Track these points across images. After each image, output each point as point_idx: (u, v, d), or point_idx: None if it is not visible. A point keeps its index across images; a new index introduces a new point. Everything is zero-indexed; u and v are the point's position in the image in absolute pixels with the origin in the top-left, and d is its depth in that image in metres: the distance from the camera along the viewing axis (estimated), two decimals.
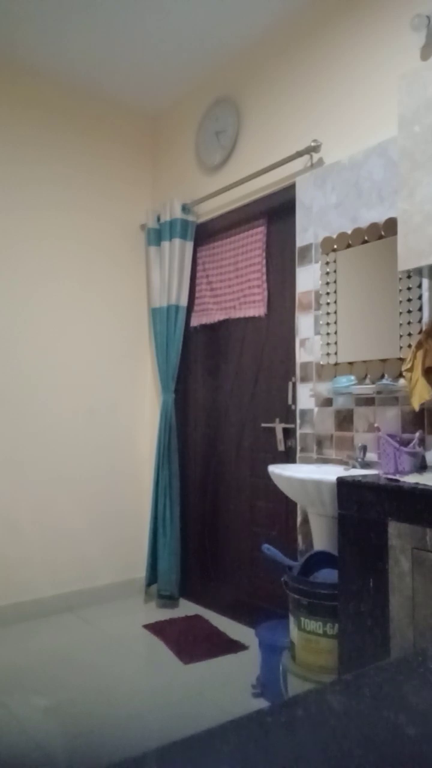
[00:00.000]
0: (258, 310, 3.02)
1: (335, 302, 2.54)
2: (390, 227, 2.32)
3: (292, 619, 2.08)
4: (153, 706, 2.21)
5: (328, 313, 2.56)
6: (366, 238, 2.42)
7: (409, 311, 2.23)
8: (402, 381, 2.22)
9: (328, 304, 2.57)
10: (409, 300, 2.23)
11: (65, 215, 3.38)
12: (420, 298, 2.20)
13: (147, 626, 2.98)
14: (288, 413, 2.86)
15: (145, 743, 1.95)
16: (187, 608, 3.29)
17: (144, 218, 3.71)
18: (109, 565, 3.46)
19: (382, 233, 2.36)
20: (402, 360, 2.23)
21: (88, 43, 3.06)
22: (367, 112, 2.49)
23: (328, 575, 2.08)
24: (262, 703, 2.23)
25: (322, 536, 2.22)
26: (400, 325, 2.27)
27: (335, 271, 2.54)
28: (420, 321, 2.19)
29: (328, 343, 2.56)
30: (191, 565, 3.43)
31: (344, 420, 2.49)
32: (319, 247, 2.64)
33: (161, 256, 3.48)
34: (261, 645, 2.30)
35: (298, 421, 2.71)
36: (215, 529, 3.30)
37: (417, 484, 1.65)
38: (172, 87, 3.47)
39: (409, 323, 2.23)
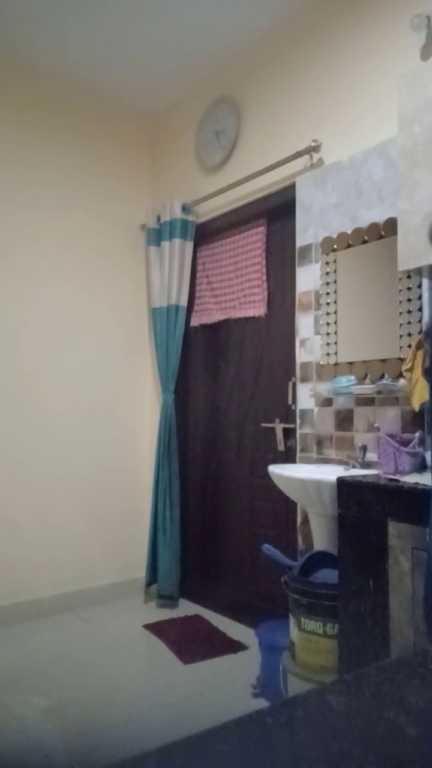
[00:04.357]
0: (258, 310, 3.02)
1: (335, 302, 2.54)
2: (390, 227, 2.32)
3: (292, 619, 2.08)
4: (153, 706, 2.21)
5: (328, 313, 2.56)
6: (366, 238, 2.42)
7: (409, 311, 2.23)
8: (402, 381, 2.22)
9: (328, 304, 2.57)
10: (409, 300, 2.23)
11: (65, 215, 3.38)
12: (420, 298, 2.20)
13: (147, 626, 2.98)
14: (288, 413, 2.86)
15: (145, 743, 1.95)
16: (187, 608, 3.29)
17: (144, 218, 3.71)
18: (109, 565, 3.46)
19: (382, 233, 2.36)
20: (402, 360, 2.23)
21: (88, 43, 3.06)
22: (367, 112, 2.49)
23: (328, 575, 2.08)
24: (262, 703, 2.23)
25: (322, 536, 2.22)
26: (400, 325, 2.27)
27: (335, 271, 2.54)
28: (420, 321, 2.19)
29: (328, 343, 2.56)
30: (191, 565, 3.43)
31: (344, 420, 2.49)
32: (319, 247, 2.64)
33: (161, 256, 3.48)
34: (261, 645, 2.30)
35: (298, 421, 2.71)
36: (215, 529, 3.30)
37: (417, 484, 1.65)
38: (172, 87, 3.47)
39: (409, 323, 2.23)
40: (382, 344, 2.34)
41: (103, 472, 3.47)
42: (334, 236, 2.56)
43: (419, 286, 2.20)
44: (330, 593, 1.94)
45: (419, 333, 2.19)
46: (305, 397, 2.68)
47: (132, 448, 3.61)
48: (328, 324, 2.56)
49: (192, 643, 2.76)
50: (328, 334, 2.56)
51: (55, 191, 3.35)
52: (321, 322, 2.60)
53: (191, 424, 3.53)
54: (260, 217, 3.05)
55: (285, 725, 0.42)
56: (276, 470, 2.24)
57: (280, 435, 2.87)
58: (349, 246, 2.49)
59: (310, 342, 2.67)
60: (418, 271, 1.96)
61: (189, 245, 3.38)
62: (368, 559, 1.73)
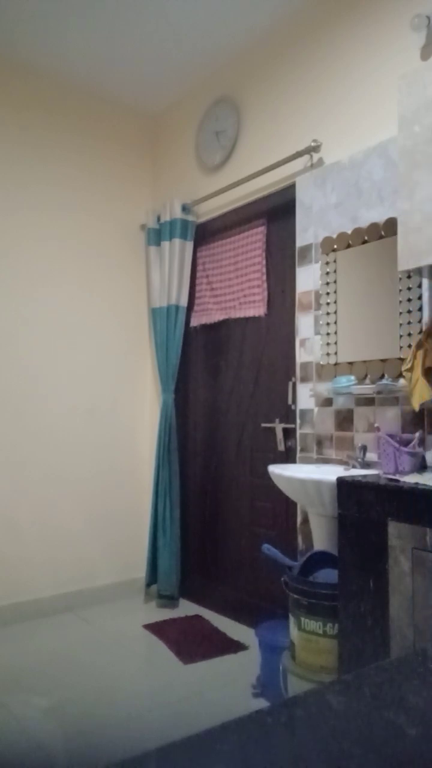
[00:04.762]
0: (258, 310, 3.02)
1: (335, 302, 2.54)
2: (390, 227, 2.32)
3: (292, 619, 2.08)
4: (153, 706, 2.21)
5: (328, 313, 2.56)
6: (366, 238, 2.42)
7: (409, 311, 2.23)
8: (402, 381, 2.22)
9: (328, 304, 2.57)
10: (409, 300, 2.23)
11: (65, 215, 3.38)
12: (420, 298, 2.20)
13: (147, 626, 2.98)
14: (288, 413, 2.86)
15: (145, 743, 1.95)
16: (187, 608, 3.29)
17: (144, 218, 3.71)
18: (109, 565, 3.46)
19: (382, 233, 2.36)
20: (402, 360, 2.23)
21: (88, 43, 3.06)
22: (367, 112, 2.49)
23: (328, 575, 2.08)
24: (262, 703, 2.23)
25: (322, 536, 2.22)
26: (400, 325, 2.27)
27: (335, 271, 2.54)
28: (420, 321, 2.19)
29: (328, 343, 2.56)
30: (191, 565, 3.43)
31: (344, 420, 2.49)
32: (319, 247, 2.64)
33: (161, 256, 3.48)
34: (261, 645, 2.30)
35: (298, 421, 2.71)
36: (215, 529, 3.30)
37: (417, 484, 1.65)
38: (172, 87, 3.47)
39: (409, 323, 2.23)
40: (382, 344, 2.34)
41: (103, 472, 3.47)
42: (334, 236, 2.56)
43: (419, 286, 2.20)
44: (330, 593, 1.94)
45: (419, 333, 2.19)
46: (305, 397, 2.68)
47: (132, 448, 3.61)
48: (328, 324, 2.56)
49: (192, 643, 2.76)
50: (328, 334, 2.56)
51: (55, 191, 3.35)
52: (321, 322, 2.60)
53: (191, 424, 3.53)
54: (260, 217, 3.05)
55: (285, 725, 0.42)
56: (276, 470, 2.24)
57: (280, 435, 2.87)
58: (349, 246, 2.49)
59: (310, 342, 2.67)
60: (418, 271, 1.96)
61: (189, 245, 3.38)
62: (368, 559, 1.73)
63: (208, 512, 3.35)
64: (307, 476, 2.06)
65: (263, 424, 3.01)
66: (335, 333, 2.53)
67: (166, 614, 3.18)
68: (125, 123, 3.67)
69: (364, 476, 1.85)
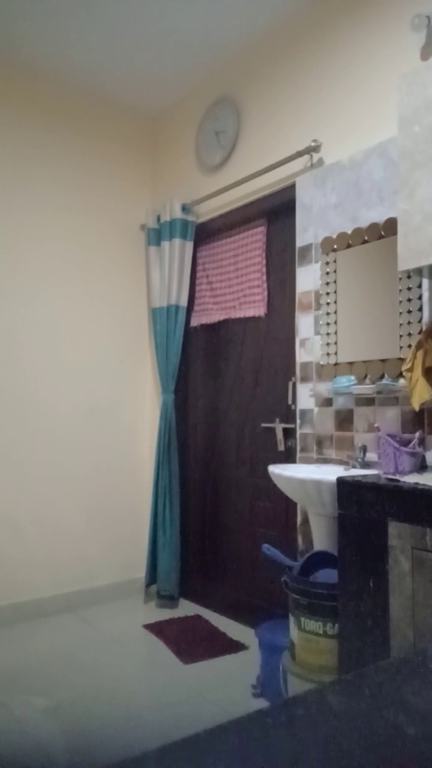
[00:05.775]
0: (258, 310, 3.02)
1: (335, 302, 2.54)
2: (390, 227, 2.32)
3: (292, 619, 2.08)
4: (153, 706, 2.21)
5: (328, 313, 2.56)
6: (366, 238, 2.42)
7: (409, 311, 2.23)
8: (402, 381, 2.22)
9: (328, 304, 2.57)
10: (409, 300, 2.23)
11: (65, 215, 3.38)
12: (420, 298, 2.20)
13: (147, 626, 2.98)
14: (288, 413, 2.86)
15: (145, 743, 1.95)
16: (187, 608, 3.29)
17: (144, 218, 3.71)
18: (109, 565, 3.46)
19: (382, 233, 2.36)
20: (402, 360, 2.23)
21: (88, 43, 3.06)
22: (367, 112, 2.49)
23: (328, 575, 2.08)
24: (262, 703, 2.23)
25: (322, 536, 2.22)
26: (400, 325, 2.27)
27: (335, 271, 2.54)
28: (420, 321, 2.19)
29: (328, 343, 2.56)
30: (191, 565, 3.43)
31: (344, 420, 2.49)
32: (319, 247, 2.64)
33: (161, 256, 3.48)
34: (261, 645, 2.30)
35: (298, 421, 2.71)
36: (215, 529, 3.30)
37: (417, 484, 1.65)
38: (172, 87, 3.47)
39: (409, 323, 2.23)
40: (382, 344, 2.34)
41: (103, 472, 3.47)
42: (334, 236, 2.56)
43: (419, 286, 2.20)
44: (330, 593, 1.94)
45: (419, 333, 2.19)
46: (305, 397, 2.68)
47: (132, 448, 3.61)
48: (328, 324, 2.56)
49: (192, 643, 2.76)
50: (328, 334, 2.56)
51: (56, 191, 3.35)
52: (321, 322, 2.60)
53: (191, 424, 3.53)
54: (260, 217, 3.05)
55: (285, 725, 0.42)
56: (276, 470, 2.24)
57: (280, 435, 2.87)
58: (349, 246, 2.49)
59: (310, 342, 2.67)
60: (418, 271, 1.96)
61: (189, 245, 3.38)
62: (368, 559, 1.73)
63: (208, 512, 3.35)
64: (307, 476, 2.06)
65: (263, 424, 3.01)
66: (335, 333, 2.53)
67: (166, 614, 3.18)
68: (125, 123, 3.67)
69: (364, 476, 1.85)
